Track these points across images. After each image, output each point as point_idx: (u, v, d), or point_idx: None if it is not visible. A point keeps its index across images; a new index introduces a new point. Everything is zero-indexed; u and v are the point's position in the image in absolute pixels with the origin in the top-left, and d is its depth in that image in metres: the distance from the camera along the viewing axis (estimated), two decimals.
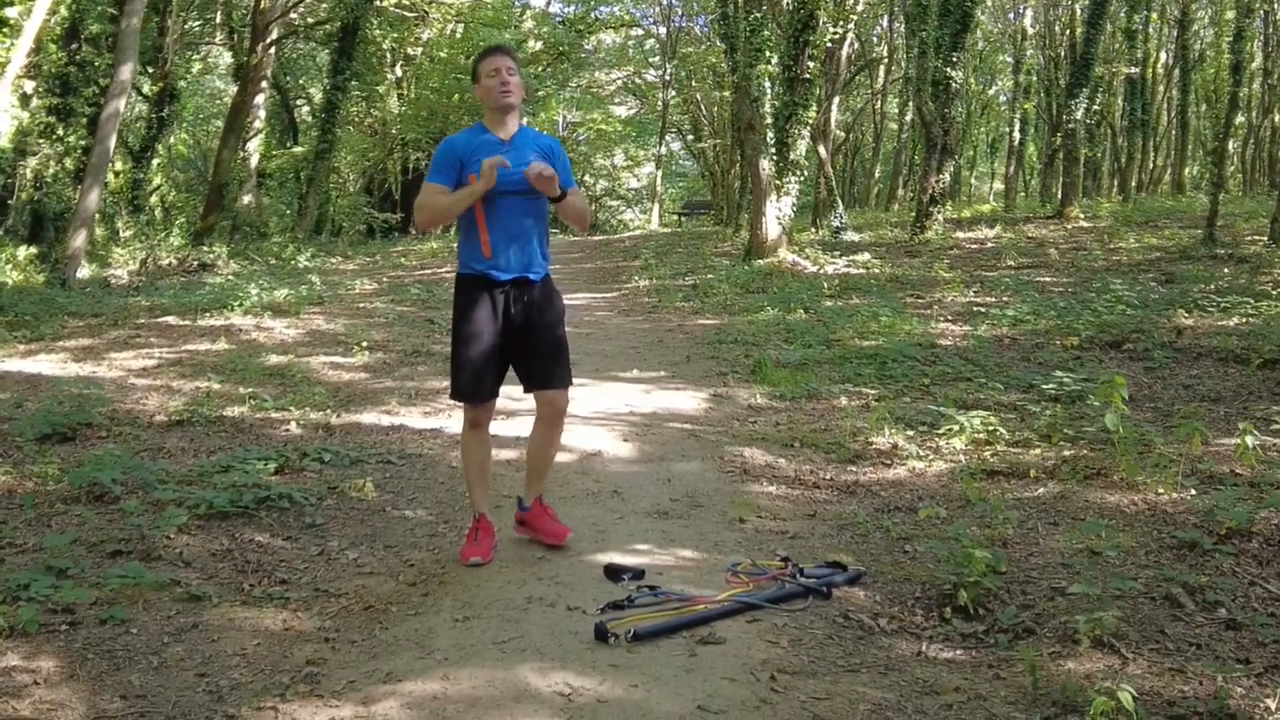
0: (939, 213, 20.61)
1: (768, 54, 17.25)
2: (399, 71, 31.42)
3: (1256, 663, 3.46)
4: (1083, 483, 5.56)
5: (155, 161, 27.28)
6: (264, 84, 25.71)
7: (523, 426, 6.72)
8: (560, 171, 4.44)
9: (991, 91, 42.76)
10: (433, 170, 4.49)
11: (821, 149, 23.76)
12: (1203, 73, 33.27)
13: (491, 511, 4.78)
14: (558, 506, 5.24)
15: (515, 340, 4.54)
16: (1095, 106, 24.72)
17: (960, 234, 20.56)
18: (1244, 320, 9.72)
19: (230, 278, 16.38)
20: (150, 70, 23.61)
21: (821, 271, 15.63)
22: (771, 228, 17.26)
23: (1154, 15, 32.13)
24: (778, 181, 17.45)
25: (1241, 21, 18.62)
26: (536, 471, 4.83)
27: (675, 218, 40.68)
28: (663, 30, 37.91)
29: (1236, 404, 7.21)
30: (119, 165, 23.30)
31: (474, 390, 4.57)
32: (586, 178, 44.92)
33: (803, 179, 19.32)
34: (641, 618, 3.79)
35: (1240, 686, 3.28)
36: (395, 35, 28.55)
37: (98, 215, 17.68)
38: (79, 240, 15.05)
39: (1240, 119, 32.19)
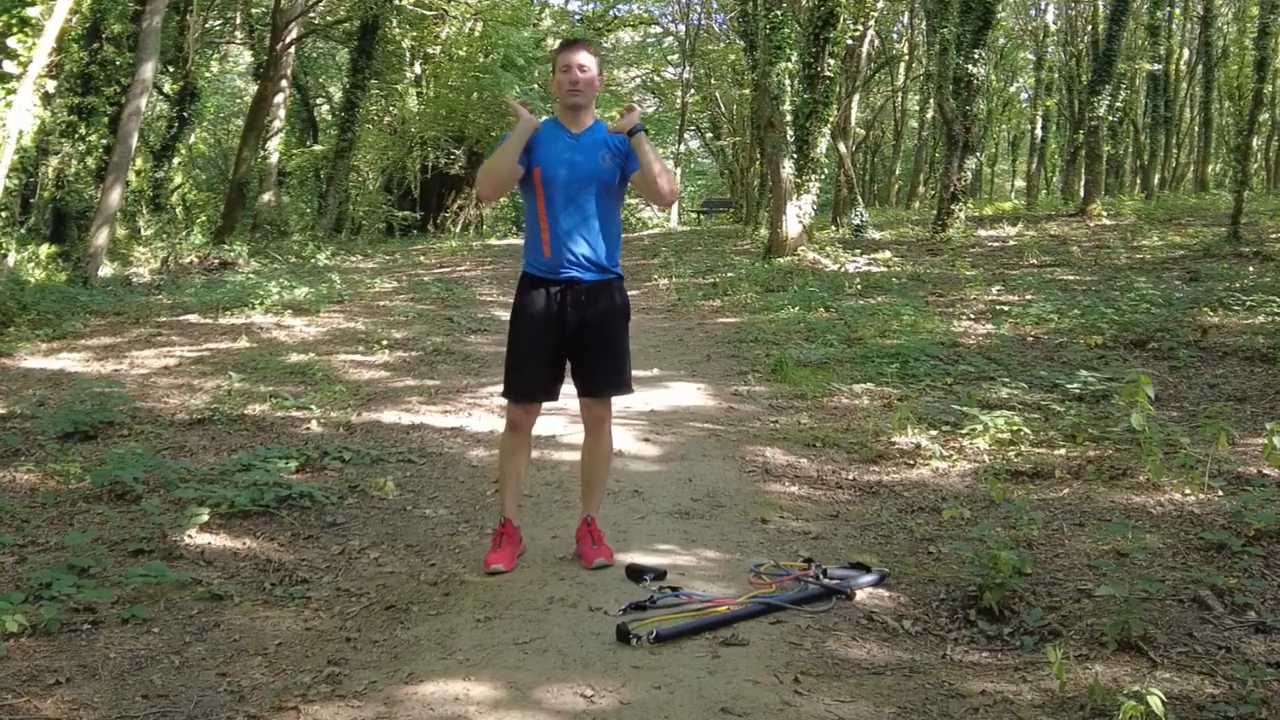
0: (960, 210, 20.50)
1: (788, 51, 17.20)
2: (418, 70, 31.43)
3: None
4: (1108, 483, 5.51)
5: (176, 160, 27.39)
6: (284, 82, 25.76)
7: (541, 426, 6.72)
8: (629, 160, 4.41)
9: (1013, 88, 42.55)
10: (502, 140, 4.45)
11: (842, 146, 23.69)
12: (1226, 69, 33.00)
13: (519, 516, 4.63)
14: (576, 505, 5.22)
15: (571, 343, 4.41)
16: (1118, 103, 24.52)
17: (982, 232, 20.47)
18: (1270, 319, 9.63)
19: (251, 276, 16.43)
20: (171, 69, 23.74)
21: (842, 270, 15.57)
22: (792, 226, 17.22)
23: (1177, 11, 31.93)
24: (798, 179, 17.41)
25: (1266, 17, 18.47)
26: (584, 485, 4.69)
27: (694, 216, 40.61)
28: (681, 28, 37.84)
29: (1263, 403, 7.14)
30: (140, 164, 23.41)
31: (518, 389, 4.46)
32: None
33: (823, 177, 19.26)
34: (664, 619, 3.77)
35: (1271, 690, 3.24)
36: (414, 33, 28.57)
37: (119, 214, 17.74)
38: (101, 239, 15.09)
39: (1264, 116, 31.98)
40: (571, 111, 4.40)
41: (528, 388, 4.47)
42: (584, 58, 4.35)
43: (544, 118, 4.53)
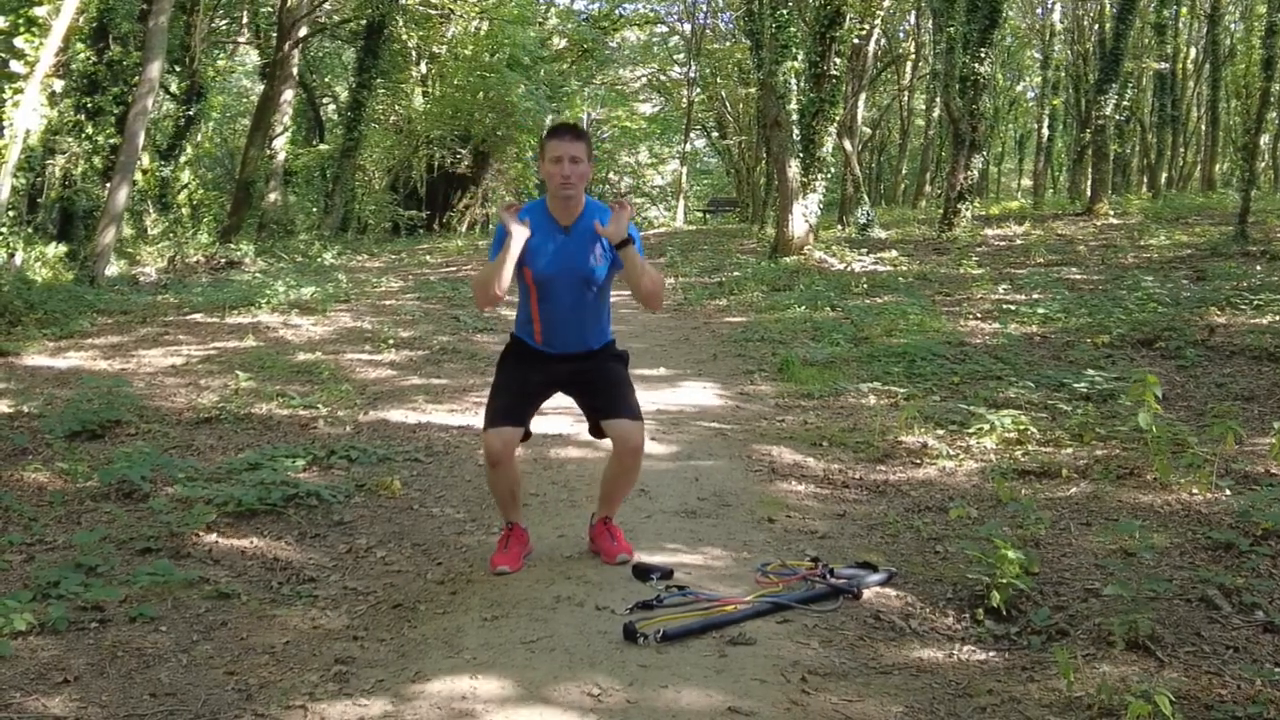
0: (967, 209, 20.46)
1: (794, 50, 17.19)
2: (424, 69, 31.45)
3: None
4: (1115, 482, 5.50)
5: (183, 159, 27.42)
6: (290, 82, 25.80)
7: (550, 425, 6.73)
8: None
9: (1019, 87, 42.47)
10: (492, 247, 4.33)
11: (848, 145, 23.64)
12: (1233, 68, 32.91)
13: (524, 517, 4.58)
14: (583, 505, 5.22)
15: (567, 389, 4.43)
16: (1124, 102, 24.48)
17: (988, 231, 20.43)
18: (1277, 318, 9.61)
19: (257, 275, 16.46)
20: (178, 69, 23.75)
21: (848, 269, 15.56)
22: (798, 225, 17.20)
23: (1184, 9, 31.82)
24: (804, 178, 17.40)
25: (1273, 16, 18.39)
26: (606, 497, 4.57)
27: (700, 215, 40.60)
28: (687, 27, 37.83)
29: (1270, 403, 7.12)
30: (147, 163, 23.39)
31: (498, 424, 4.28)
32: (611, 175, 44.88)
33: (829, 176, 19.24)
34: (671, 618, 3.77)
35: None
36: (420, 33, 28.59)
37: (126, 213, 17.77)
38: (108, 238, 15.13)
39: (1272, 114, 31.89)
40: (562, 201, 4.26)
41: (504, 422, 4.29)
42: (575, 149, 4.19)
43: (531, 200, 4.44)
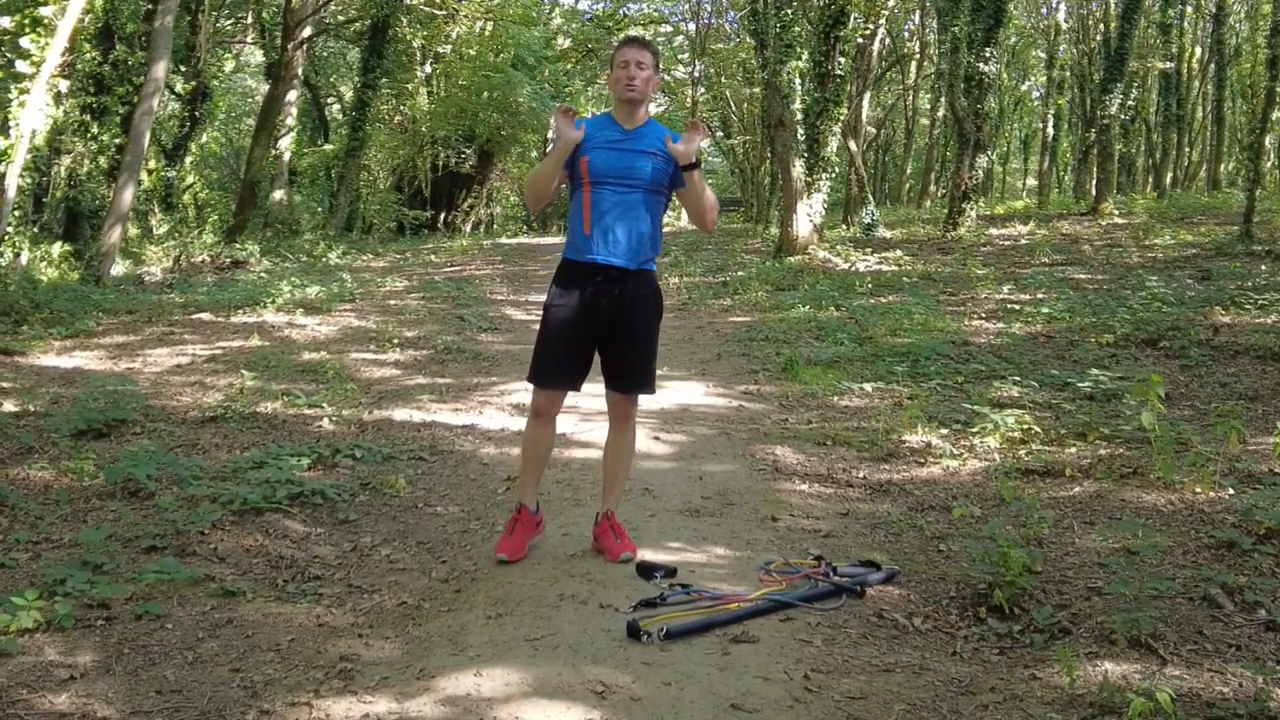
0: (971, 209, 20.48)
1: (798, 50, 17.22)
2: (428, 69, 31.50)
3: None
4: (1119, 482, 5.51)
5: (188, 159, 27.45)
6: (295, 82, 25.84)
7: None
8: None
9: (1024, 87, 42.45)
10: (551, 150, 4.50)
11: (852, 145, 23.66)
12: (1239, 67, 32.91)
13: (535, 502, 4.61)
14: (587, 504, 5.23)
15: (603, 335, 4.43)
16: (1129, 102, 24.47)
17: (993, 230, 20.43)
18: None
19: (262, 275, 16.47)
20: (183, 69, 23.78)
21: (853, 269, 15.56)
22: (802, 225, 17.22)
23: (1189, 9, 31.79)
24: (808, 178, 17.41)
25: (1278, 15, 18.38)
26: (606, 479, 4.67)
27: None
28: (692, 27, 37.84)
29: (1274, 402, 7.12)
30: (152, 163, 23.44)
31: (543, 375, 4.47)
32: None
33: (833, 175, 19.26)
34: (674, 616, 3.78)
35: None
36: (425, 33, 28.63)
37: (131, 213, 17.79)
38: (113, 237, 15.14)
39: (1277, 114, 31.83)
40: (627, 106, 4.41)
41: (551, 374, 4.47)
42: (642, 55, 4.39)
43: (600, 112, 4.56)
